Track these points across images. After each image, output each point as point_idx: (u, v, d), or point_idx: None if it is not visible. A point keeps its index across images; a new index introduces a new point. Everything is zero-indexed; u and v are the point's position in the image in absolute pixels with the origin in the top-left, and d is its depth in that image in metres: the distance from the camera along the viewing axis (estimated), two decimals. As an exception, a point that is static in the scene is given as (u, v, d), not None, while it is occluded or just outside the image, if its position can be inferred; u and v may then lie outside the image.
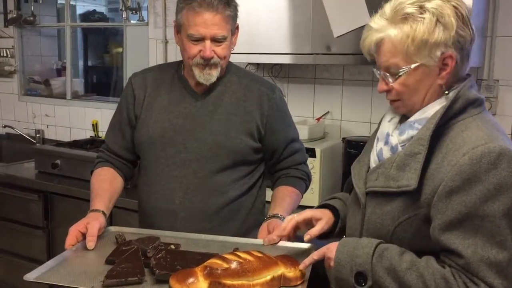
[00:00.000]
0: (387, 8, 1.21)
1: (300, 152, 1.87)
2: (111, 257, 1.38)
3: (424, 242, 1.17)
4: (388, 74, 1.22)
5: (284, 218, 1.69)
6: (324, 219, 1.42)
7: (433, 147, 1.17)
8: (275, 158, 1.82)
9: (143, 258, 1.37)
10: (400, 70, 1.18)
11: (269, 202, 1.83)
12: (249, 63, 2.80)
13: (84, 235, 1.51)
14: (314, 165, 2.36)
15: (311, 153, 2.37)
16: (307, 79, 2.77)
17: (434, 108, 1.21)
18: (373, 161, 1.31)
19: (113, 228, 1.67)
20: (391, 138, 1.27)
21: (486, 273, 1.07)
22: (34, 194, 2.89)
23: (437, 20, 1.15)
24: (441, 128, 1.18)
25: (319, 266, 1.52)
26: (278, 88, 1.84)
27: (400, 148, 1.24)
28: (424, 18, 1.15)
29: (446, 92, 1.21)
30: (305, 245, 1.59)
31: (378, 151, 1.30)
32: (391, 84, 1.22)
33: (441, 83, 1.20)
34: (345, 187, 1.51)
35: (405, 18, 1.16)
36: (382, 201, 1.23)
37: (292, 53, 2.35)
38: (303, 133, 2.45)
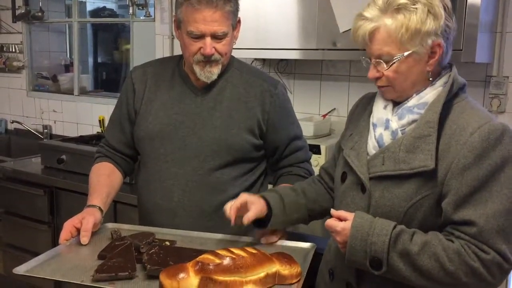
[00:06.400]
0: None
1: (303, 150, 1.83)
2: (104, 252, 1.37)
3: (434, 221, 1.23)
4: (381, 61, 1.26)
5: None
6: (257, 205, 1.47)
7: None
8: (277, 155, 1.79)
9: (136, 253, 1.35)
10: (394, 58, 1.24)
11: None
12: (255, 59, 2.78)
13: (79, 230, 1.50)
14: (319, 162, 2.33)
15: (316, 149, 2.34)
16: (313, 75, 2.74)
17: (431, 93, 1.28)
18: (372, 147, 1.34)
19: (110, 225, 1.66)
20: (391, 123, 1.31)
21: (496, 240, 1.15)
22: (39, 189, 2.90)
23: (428, 11, 1.22)
24: (441, 112, 1.25)
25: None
26: (281, 84, 1.80)
27: (400, 133, 1.29)
28: (416, 8, 1.22)
29: (430, 78, 1.28)
30: (305, 245, 1.56)
31: (378, 137, 1.33)
32: (383, 71, 1.27)
33: (429, 70, 1.27)
34: (336, 176, 1.49)
35: (399, 8, 1.23)
36: (390, 185, 1.25)
37: (299, 48, 2.32)
38: (308, 130, 2.42)
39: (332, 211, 1.29)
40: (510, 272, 1.19)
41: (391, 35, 1.22)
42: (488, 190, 1.16)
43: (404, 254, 1.18)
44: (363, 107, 1.48)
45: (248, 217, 1.43)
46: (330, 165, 1.58)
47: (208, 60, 1.61)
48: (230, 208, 1.43)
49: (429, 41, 1.23)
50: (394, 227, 1.20)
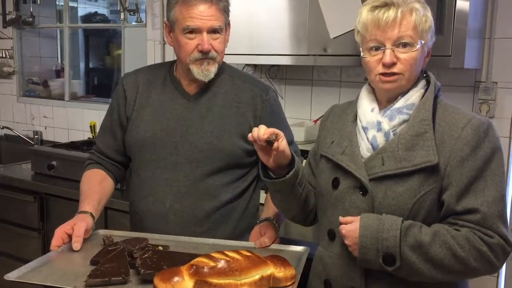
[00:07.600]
0: None
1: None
2: (96, 257, 1.36)
3: (436, 215, 1.28)
4: (407, 43, 1.28)
5: (276, 222, 1.67)
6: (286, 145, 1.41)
7: None
8: (268, 160, 1.79)
9: (129, 258, 1.35)
10: (418, 42, 1.29)
11: (262, 205, 1.81)
12: (246, 64, 2.79)
13: (70, 237, 1.49)
14: (310, 167, 2.33)
15: (307, 155, 2.34)
16: (305, 80, 2.75)
17: (415, 95, 1.34)
18: (366, 149, 1.35)
19: (102, 231, 1.65)
20: (383, 124, 1.34)
21: (498, 224, 1.23)
22: (29, 196, 2.88)
23: (432, 19, 1.33)
24: None
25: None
26: (272, 89, 1.81)
27: (391, 134, 1.32)
28: (428, 10, 1.32)
29: (420, 76, 1.36)
30: (298, 248, 1.57)
31: (372, 139, 1.34)
32: (400, 56, 1.29)
33: (422, 68, 1.36)
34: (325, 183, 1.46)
35: (419, 1, 1.32)
36: (392, 184, 1.28)
37: (290, 54, 2.33)
38: (299, 135, 2.43)
39: (340, 218, 1.31)
40: (511, 254, 1.27)
41: (417, 20, 1.29)
42: (483, 179, 1.25)
43: (417, 247, 1.22)
44: (336, 116, 1.51)
45: (280, 144, 1.36)
46: (308, 175, 1.55)
47: (205, 58, 1.62)
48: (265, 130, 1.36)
49: (434, 39, 1.34)
50: (402, 221, 1.24)
